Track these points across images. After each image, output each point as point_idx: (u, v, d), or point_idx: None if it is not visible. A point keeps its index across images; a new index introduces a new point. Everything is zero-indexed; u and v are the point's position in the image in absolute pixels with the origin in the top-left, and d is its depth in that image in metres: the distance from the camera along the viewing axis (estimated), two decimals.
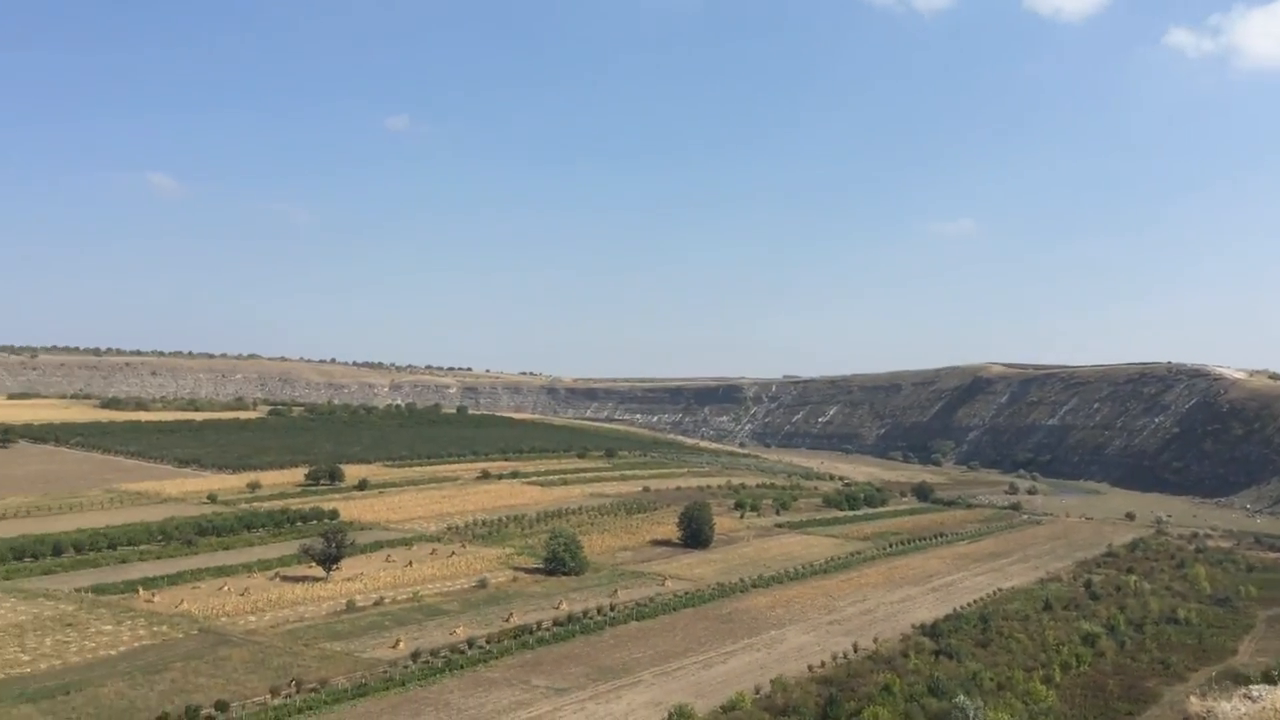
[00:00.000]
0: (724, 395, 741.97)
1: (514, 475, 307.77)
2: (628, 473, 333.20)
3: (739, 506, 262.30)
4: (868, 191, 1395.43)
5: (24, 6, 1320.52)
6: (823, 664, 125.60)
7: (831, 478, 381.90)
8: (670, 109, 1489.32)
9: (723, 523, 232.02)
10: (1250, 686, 19.70)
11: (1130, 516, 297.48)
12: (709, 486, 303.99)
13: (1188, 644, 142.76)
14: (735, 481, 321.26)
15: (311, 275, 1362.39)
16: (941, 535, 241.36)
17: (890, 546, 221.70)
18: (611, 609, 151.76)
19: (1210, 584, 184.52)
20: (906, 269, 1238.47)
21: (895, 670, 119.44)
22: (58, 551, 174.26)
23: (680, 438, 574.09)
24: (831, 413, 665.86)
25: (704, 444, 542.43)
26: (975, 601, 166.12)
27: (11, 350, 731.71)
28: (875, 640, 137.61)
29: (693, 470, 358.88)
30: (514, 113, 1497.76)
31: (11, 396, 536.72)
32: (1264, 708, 16.23)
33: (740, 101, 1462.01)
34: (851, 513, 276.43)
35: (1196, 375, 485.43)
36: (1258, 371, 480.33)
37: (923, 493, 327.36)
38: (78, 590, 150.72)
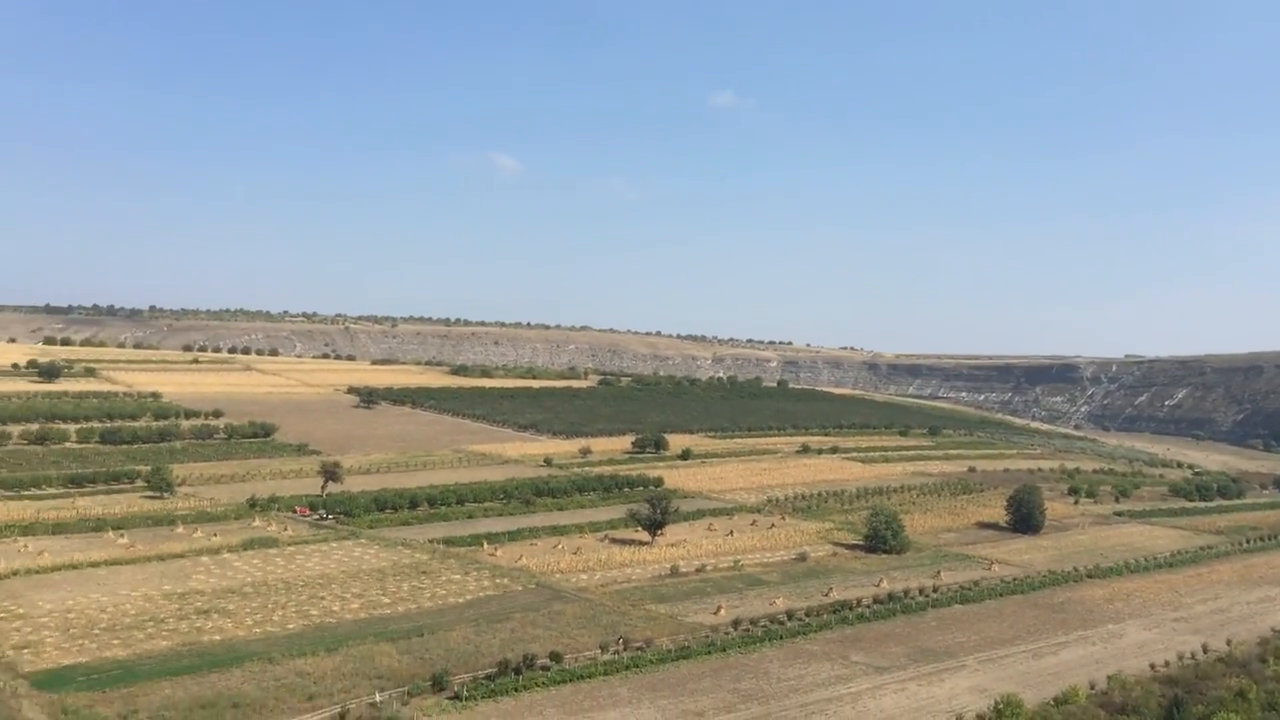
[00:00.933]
0: (1058, 374, 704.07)
1: (834, 450, 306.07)
2: (952, 452, 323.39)
3: (1073, 492, 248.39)
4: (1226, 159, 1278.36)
5: None
6: (1166, 663, 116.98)
7: (1179, 465, 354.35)
8: (987, 81, 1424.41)
9: (1055, 508, 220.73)
10: None
11: None
12: (1040, 469, 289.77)
13: None
14: (1069, 465, 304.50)
15: (636, 249, 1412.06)
16: None
17: (1247, 542, 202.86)
18: (934, 590, 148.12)
19: None
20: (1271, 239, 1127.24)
21: (1251, 675, 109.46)
22: (414, 505, 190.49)
23: (1009, 418, 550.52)
24: (1180, 396, 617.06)
25: (1035, 425, 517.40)
26: None
27: (375, 320, 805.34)
28: (1228, 642, 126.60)
29: (1022, 452, 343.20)
30: (832, 78, 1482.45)
31: (375, 362, 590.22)
32: None
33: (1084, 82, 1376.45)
34: (1202, 504, 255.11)
35: None
36: None
37: None
38: (430, 541, 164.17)
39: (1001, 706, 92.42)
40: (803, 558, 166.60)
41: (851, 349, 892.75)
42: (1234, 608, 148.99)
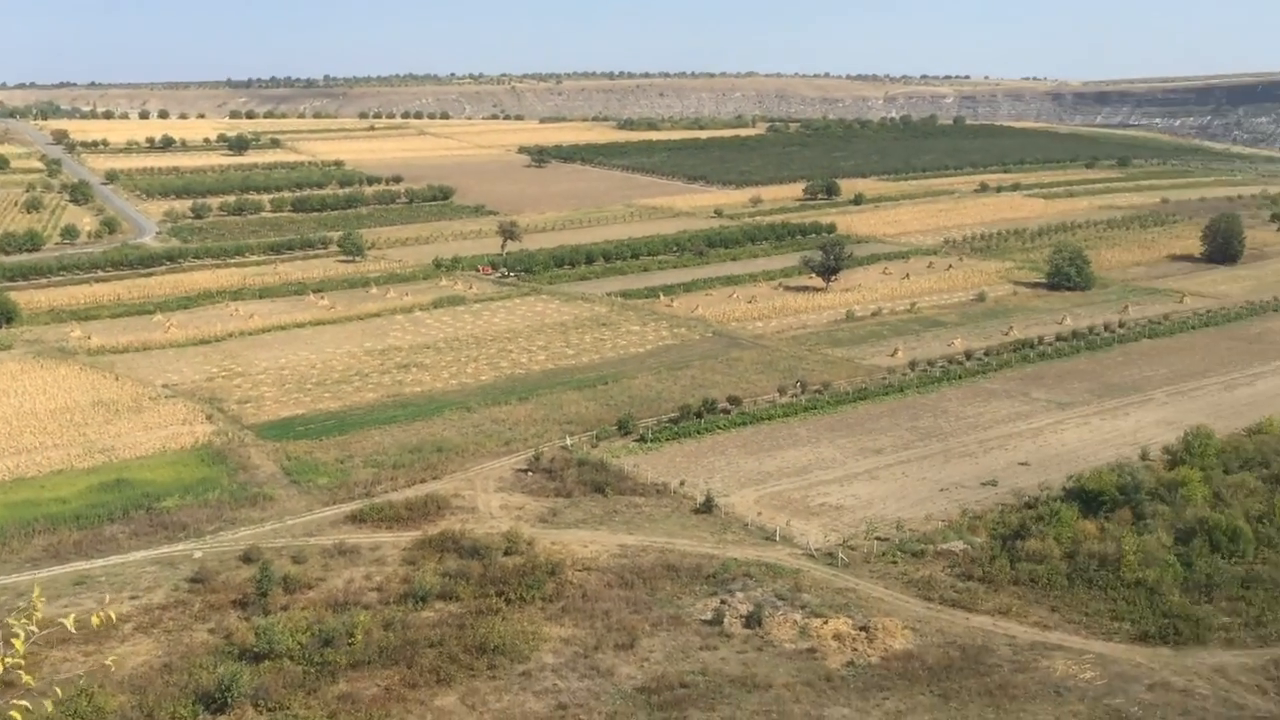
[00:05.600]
0: (1264, 93, 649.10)
1: (1014, 188, 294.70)
2: (1143, 183, 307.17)
3: (1276, 218, 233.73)
4: None
5: None
6: None
7: None
8: None
9: (1256, 236, 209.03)
10: None
11: None
12: (1240, 196, 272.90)
13: None
14: (1274, 190, 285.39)
15: None
16: None
17: None
18: (1120, 325, 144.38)
19: None
20: None
21: None
22: (589, 260, 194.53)
23: (1207, 143, 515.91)
24: None
25: (1236, 149, 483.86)
26: None
27: (540, 78, 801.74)
28: None
29: (1220, 179, 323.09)
30: None
31: (543, 120, 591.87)
32: None
33: None
34: None
35: None
36: None
37: None
38: (608, 295, 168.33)
39: (1190, 437, 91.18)
40: (981, 298, 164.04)
41: (1034, 79, 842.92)
42: None
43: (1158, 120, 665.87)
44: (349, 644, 62.12)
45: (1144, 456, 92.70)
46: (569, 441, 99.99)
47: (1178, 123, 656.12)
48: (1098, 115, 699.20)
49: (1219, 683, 58.13)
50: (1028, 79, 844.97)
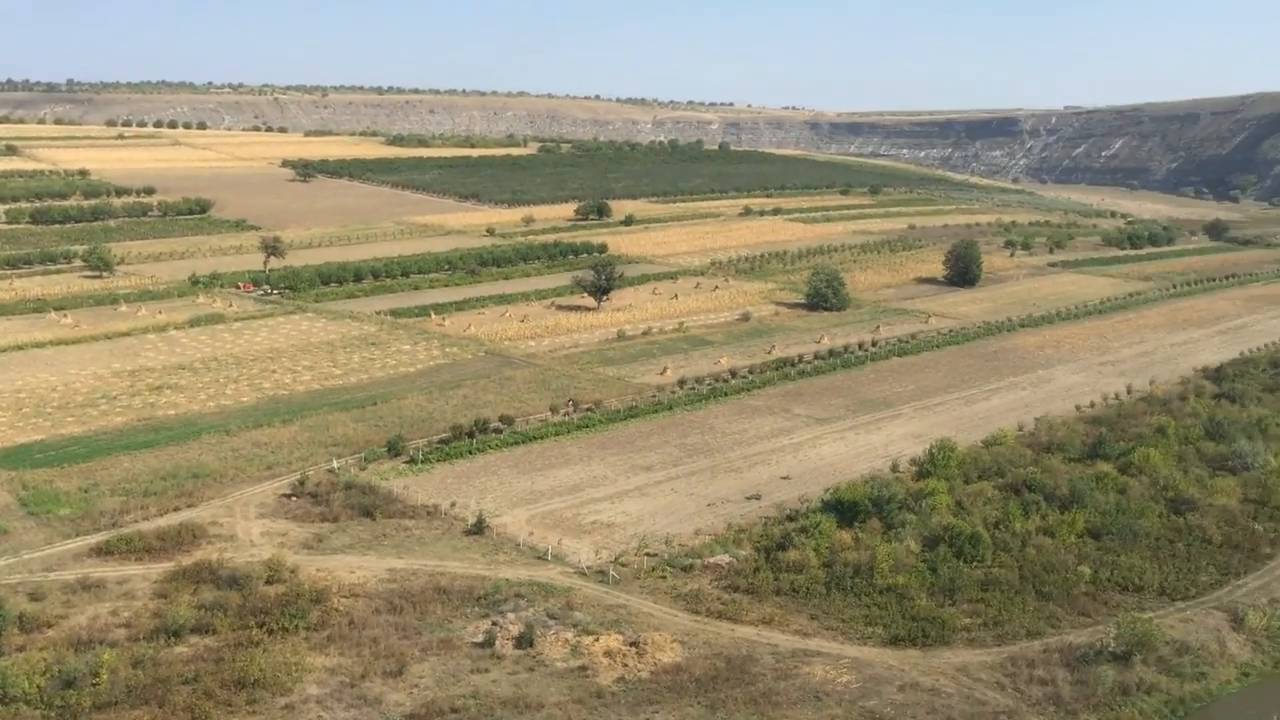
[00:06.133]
0: (998, 128, 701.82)
1: (776, 212, 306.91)
2: (892, 210, 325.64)
3: (1009, 244, 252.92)
4: None
5: None
6: (1092, 404, 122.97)
7: (1113, 215, 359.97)
8: None
9: (992, 261, 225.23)
10: None
11: None
12: (978, 224, 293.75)
13: None
14: (1006, 219, 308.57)
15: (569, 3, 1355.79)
16: (1233, 277, 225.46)
17: (1175, 287, 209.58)
18: (873, 344, 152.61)
19: None
20: None
21: (1171, 413, 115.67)
22: (358, 278, 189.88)
23: (949, 174, 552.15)
24: (1117, 146, 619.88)
25: (974, 180, 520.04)
26: (1267, 345, 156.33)
27: (305, 90, 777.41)
28: (1151, 383, 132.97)
29: (961, 207, 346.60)
30: None
31: (308, 134, 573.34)
32: None
33: None
34: (1133, 252, 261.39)
35: None
36: None
37: (1216, 231, 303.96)
38: (378, 313, 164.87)
39: (935, 450, 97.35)
40: (746, 318, 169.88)
41: (794, 109, 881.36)
42: (1158, 350, 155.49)
43: (905, 151, 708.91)
44: (93, 685, 58.25)
45: (894, 468, 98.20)
46: (336, 464, 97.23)
47: (923, 154, 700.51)
48: (851, 144, 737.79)
49: (963, 681, 62.08)
50: (788, 108, 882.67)
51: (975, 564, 76.95)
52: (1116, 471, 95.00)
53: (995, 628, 68.87)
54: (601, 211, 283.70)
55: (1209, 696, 62.34)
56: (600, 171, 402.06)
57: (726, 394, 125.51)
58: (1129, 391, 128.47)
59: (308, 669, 61.44)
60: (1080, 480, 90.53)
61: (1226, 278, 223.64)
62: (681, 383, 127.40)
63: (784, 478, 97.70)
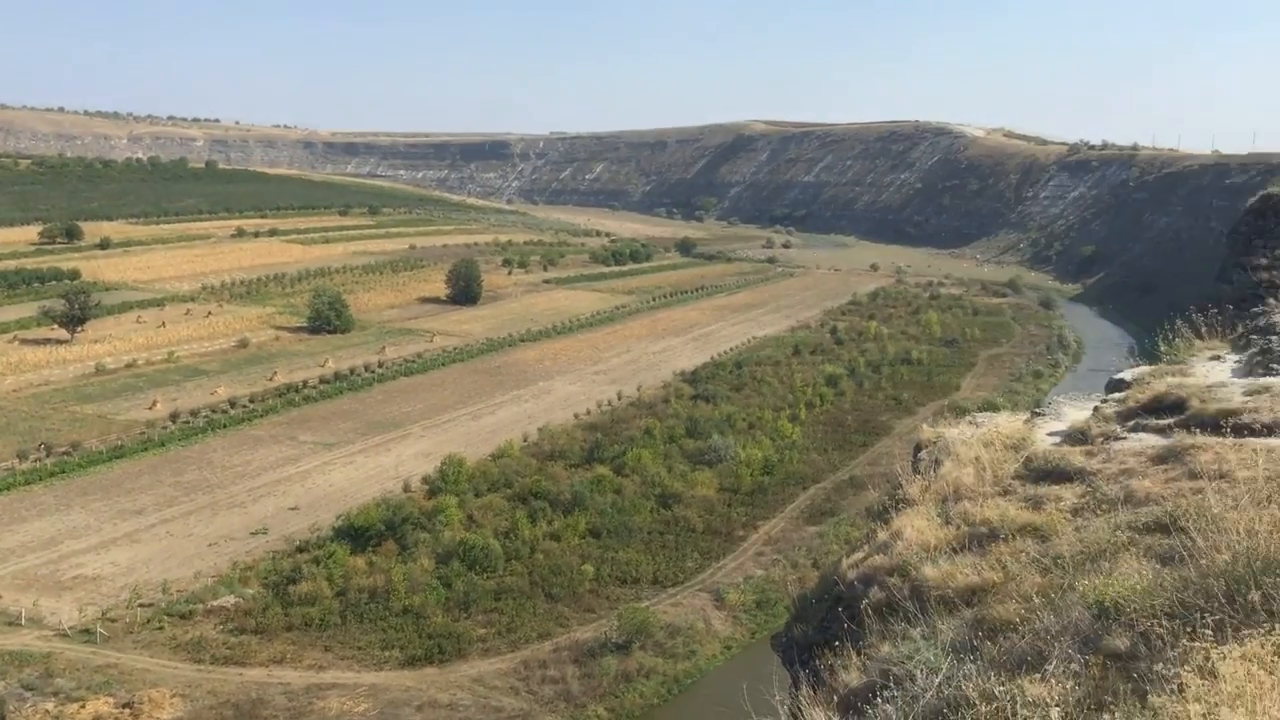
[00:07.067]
0: (491, 151, 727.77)
1: (272, 233, 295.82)
2: (393, 230, 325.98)
3: (507, 263, 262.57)
4: None
5: None
6: (588, 411, 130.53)
7: (598, 234, 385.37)
8: None
9: (491, 279, 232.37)
10: (974, 414, 22.38)
11: (874, 268, 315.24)
12: (477, 244, 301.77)
13: (918, 381, 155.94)
14: (503, 239, 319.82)
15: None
16: (703, 288, 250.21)
17: (654, 300, 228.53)
18: (380, 365, 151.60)
19: (941, 328, 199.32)
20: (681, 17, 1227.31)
21: (656, 415, 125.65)
22: None
23: (447, 194, 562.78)
24: (599, 169, 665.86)
25: (471, 201, 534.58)
26: (732, 349, 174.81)
27: None
28: (639, 388, 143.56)
29: (460, 227, 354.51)
30: None
31: None
32: (986, 430, 19.12)
33: None
34: (617, 268, 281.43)
35: (941, 133, 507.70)
36: (994, 129, 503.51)
37: (686, 248, 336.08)
38: None
39: (445, 466, 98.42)
40: (244, 344, 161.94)
41: (286, 127, 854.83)
42: (643, 358, 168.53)
43: (403, 172, 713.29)
44: None
45: (406, 488, 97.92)
46: None
47: (420, 175, 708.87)
48: (348, 165, 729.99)
49: (479, 691, 63.08)
50: (280, 126, 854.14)
51: (488, 575, 78.65)
52: (613, 473, 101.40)
53: (509, 634, 70.78)
54: (72, 234, 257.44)
55: (699, 672, 68.33)
56: (70, 191, 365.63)
57: (226, 425, 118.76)
58: (620, 397, 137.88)
59: None
60: (581, 484, 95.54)
61: (697, 290, 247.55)
62: (174, 416, 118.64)
63: (292, 508, 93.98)
